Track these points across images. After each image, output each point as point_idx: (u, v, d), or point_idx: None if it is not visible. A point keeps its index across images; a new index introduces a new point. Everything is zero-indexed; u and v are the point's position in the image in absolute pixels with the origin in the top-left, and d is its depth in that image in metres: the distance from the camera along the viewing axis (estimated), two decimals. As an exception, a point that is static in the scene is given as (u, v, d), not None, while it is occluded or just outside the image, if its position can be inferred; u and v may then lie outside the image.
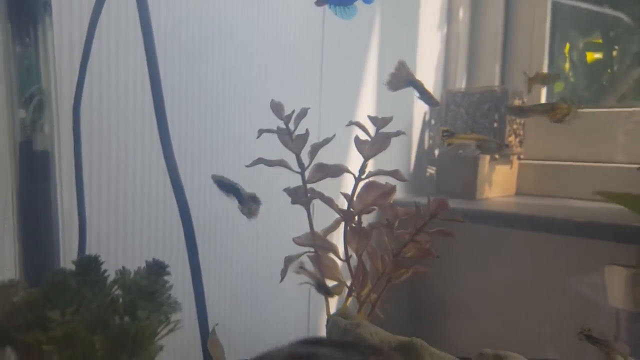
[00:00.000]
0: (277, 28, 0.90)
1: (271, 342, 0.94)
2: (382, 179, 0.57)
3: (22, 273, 0.51)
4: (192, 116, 0.75)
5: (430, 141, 1.37)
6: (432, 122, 1.37)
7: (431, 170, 1.36)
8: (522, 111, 0.56)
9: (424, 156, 1.35)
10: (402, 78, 0.53)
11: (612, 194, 0.60)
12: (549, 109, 0.52)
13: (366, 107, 1.14)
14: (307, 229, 0.58)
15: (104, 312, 0.33)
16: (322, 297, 0.57)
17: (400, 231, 0.55)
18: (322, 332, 0.82)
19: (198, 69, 0.76)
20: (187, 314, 0.51)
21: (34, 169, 0.51)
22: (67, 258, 0.54)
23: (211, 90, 0.79)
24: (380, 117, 0.56)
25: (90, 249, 0.58)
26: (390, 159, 0.62)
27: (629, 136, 1.20)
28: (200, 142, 0.76)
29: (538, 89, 1.33)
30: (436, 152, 1.37)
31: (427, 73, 1.33)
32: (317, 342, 0.25)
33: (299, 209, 0.59)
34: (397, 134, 0.55)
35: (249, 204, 0.50)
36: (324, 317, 0.54)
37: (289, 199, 0.59)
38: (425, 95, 0.53)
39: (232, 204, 0.84)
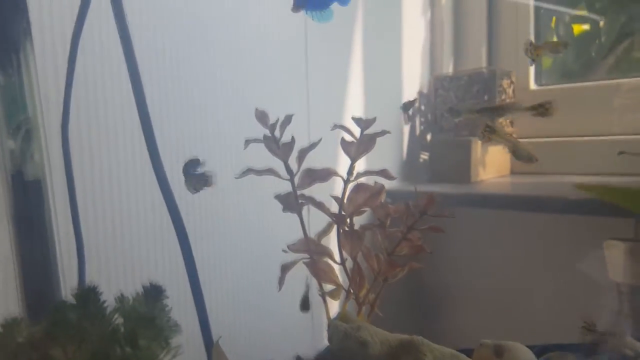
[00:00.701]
0: (259, 34, 0.90)
1: (275, 350, 0.95)
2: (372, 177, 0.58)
3: (24, 301, 0.52)
4: (181, 129, 0.76)
5: (422, 127, 1.38)
6: (422, 107, 1.37)
7: (424, 156, 1.37)
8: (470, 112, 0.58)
9: (416, 142, 1.35)
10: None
11: (594, 187, 0.60)
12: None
13: (355, 97, 1.14)
14: (302, 233, 0.59)
15: (105, 345, 0.34)
16: (323, 301, 0.58)
17: (393, 229, 0.56)
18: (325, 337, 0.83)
19: (184, 82, 0.77)
20: (190, 327, 0.52)
21: (27, 199, 0.52)
22: (68, 282, 0.55)
23: (198, 100, 0.79)
24: (364, 118, 0.56)
25: (90, 272, 0.59)
26: (382, 147, 0.63)
27: (619, 108, 1.20)
28: (190, 154, 0.77)
29: (526, 67, 1.33)
30: (428, 137, 1.38)
31: (414, 60, 1.33)
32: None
33: (284, 212, 0.60)
34: (382, 133, 0.56)
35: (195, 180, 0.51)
36: (327, 319, 0.55)
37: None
38: None
39: (227, 211, 0.85)
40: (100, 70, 0.65)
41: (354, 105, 1.14)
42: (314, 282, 0.59)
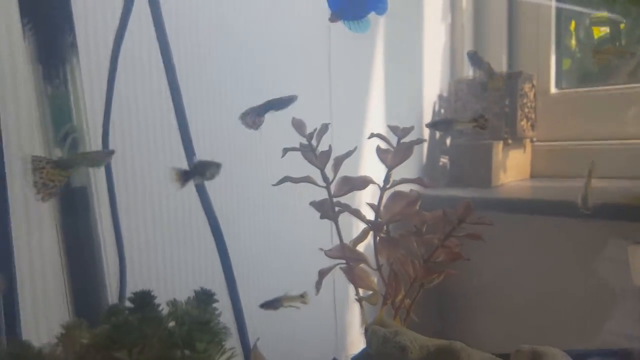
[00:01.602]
0: (285, 39, 0.91)
1: (302, 350, 0.95)
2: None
3: (72, 303, 0.53)
4: (215, 136, 0.77)
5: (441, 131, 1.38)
6: (442, 111, 1.38)
7: (444, 160, 1.37)
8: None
9: (435, 146, 1.36)
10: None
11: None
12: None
13: (376, 101, 1.15)
14: (329, 239, 0.60)
15: (165, 347, 0.36)
16: (348, 307, 0.59)
17: (429, 236, 0.57)
18: (350, 340, 0.84)
19: (218, 92, 0.78)
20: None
21: (74, 205, 0.53)
22: (113, 286, 0.57)
23: (228, 105, 0.81)
24: (401, 127, 0.57)
25: (130, 277, 0.61)
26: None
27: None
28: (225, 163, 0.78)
29: (547, 71, 1.34)
30: (448, 141, 1.38)
31: (434, 63, 1.33)
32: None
33: (323, 220, 0.60)
34: (419, 142, 0.57)
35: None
36: (350, 326, 0.56)
37: (312, 212, 0.61)
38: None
39: (262, 215, 0.86)
40: (141, 80, 0.66)
41: (375, 110, 1.15)
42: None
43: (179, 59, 0.60)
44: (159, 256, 0.69)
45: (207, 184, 0.61)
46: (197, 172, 0.45)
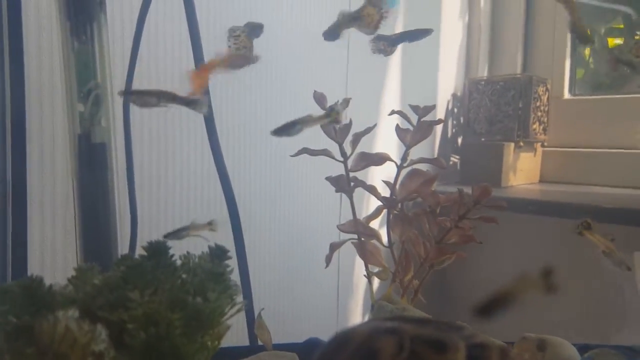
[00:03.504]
0: (305, 24, 0.92)
1: (303, 326, 0.96)
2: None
3: (83, 256, 0.53)
4: (234, 106, 0.78)
5: (454, 130, 1.38)
6: (455, 110, 1.38)
7: (454, 159, 1.37)
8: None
9: (447, 145, 1.36)
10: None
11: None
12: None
13: (391, 96, 1.15)
14: (334, 218, 0.60)
15: (178, 292, 0.36)
16: (352, 287, 0.59)
17: (442, 218, 0.57)
18: (352, 318, 0.84)
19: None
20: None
21: (92, 160, 0.53)
22: (123, 244, 0.57)
23: (249, 84, 0.81)
24: (422, 105, 0.57)
25: (140, 236, 0.61)
26: (413, 147, 0.64)
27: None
28: (242, 132, 0.78)
29: (561, 76, 1.33)
30: (459, 140, 1.38)
31: (450, 62, 1.34)
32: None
33: (329, 198, 0.61)
34: (439, 122, 0.57)
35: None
36: (353, 306, 0.56)
37: (318, 189, 0.61)
38: None
39: (272, 190, 0.86)
40: (163, 45, 0.67)
41: (391, 100, 1.15)
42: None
43: (204, 27, 0.60)
44: (168, 217, 0.70)
45: (225, 151, 0.61)
46: None
